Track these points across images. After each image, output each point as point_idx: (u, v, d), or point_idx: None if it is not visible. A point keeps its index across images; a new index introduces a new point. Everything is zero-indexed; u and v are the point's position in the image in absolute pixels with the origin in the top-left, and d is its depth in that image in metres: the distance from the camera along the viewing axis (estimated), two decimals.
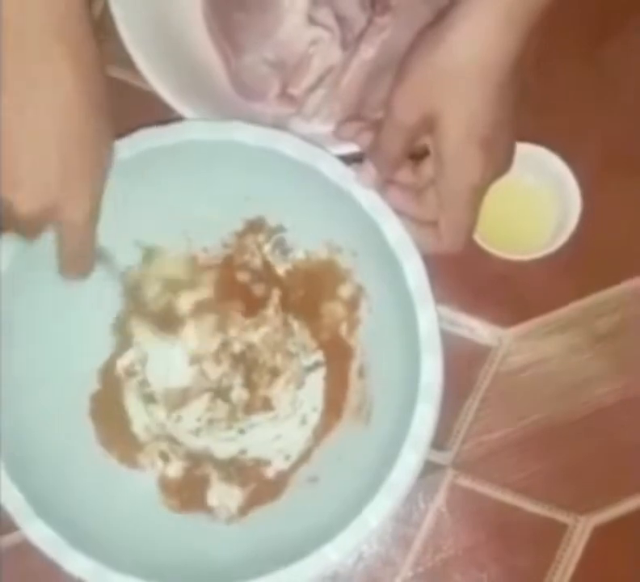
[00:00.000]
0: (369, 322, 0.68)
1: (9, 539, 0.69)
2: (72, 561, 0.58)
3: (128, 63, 0.68)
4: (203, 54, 0.74)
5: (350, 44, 0.71)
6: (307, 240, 0.69)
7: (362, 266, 0.67)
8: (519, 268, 0.70)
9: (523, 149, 0.70)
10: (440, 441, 0.70)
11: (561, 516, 0.70)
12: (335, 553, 0.57)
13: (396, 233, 0.60)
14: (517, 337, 0.72)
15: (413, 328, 0.59)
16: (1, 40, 0.53)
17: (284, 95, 0.72)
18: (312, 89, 0.72)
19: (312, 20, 0.70)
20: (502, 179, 0.69)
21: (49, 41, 0.53)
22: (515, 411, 0.71)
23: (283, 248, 0.70)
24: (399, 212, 0.60)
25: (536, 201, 0.71)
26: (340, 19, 0.70)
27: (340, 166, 0.61)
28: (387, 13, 0.69)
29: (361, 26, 0.70)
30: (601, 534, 0.69)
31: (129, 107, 0.65)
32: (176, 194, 0.66)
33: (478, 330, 0.72)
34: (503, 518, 0.70)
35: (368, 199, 0.60)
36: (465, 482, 0.70)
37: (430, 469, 0.70)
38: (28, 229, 0.58)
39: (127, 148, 0.62)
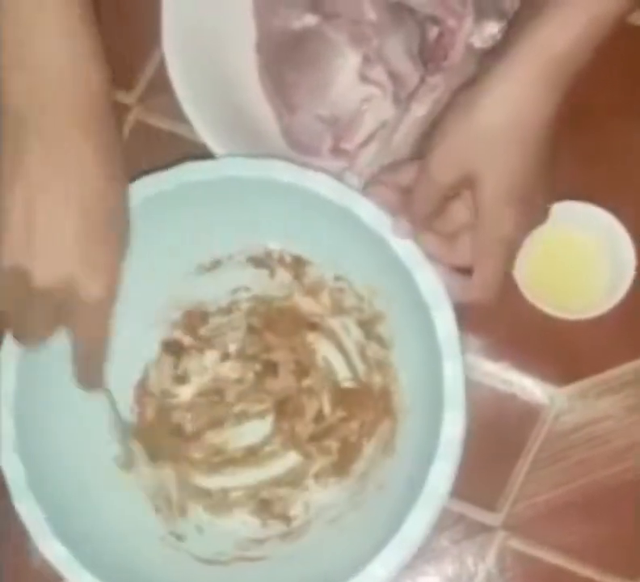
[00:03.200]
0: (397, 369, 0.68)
1: None
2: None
3: (181, 117, 0.70)
4: (256, 109, 0.74)
5: (402, 101, 0.71)
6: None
7: (394, 312, 0.67)
8: (572, 326, 0.69)
9: (574, 207, 0.69)
10: (490, 502, 0.69)
11: (613, 581, 0.68)
12: None
13: (429, 283, 0.60)
14: (570, 396, 0.71)
15: (438, 381, 0.59)
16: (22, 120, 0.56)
17: (337, 150, 0.73)
18: (364, 144, 0.72)
19: (364, 78, 0.71)
20: (555, 237, 0.69)
21: (70, 124, 0.56)
22: (567, 471, 0.69)
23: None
24: (431, 257, 0.61)
25: (589, 259, 0.70)
26: (393, 76, 0.71)
27: (377, 212, 0.61)
28: (438, 73, 0.69)
29: (414, 82, 0.71)
30: None
31: (183, 160, 0.65)
32: (208, 229, 0.68)
33: (530, 388, 0.71)
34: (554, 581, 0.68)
35: (404, 247, 0.61)
36: (516, 544, 0.69)
37: (480, 530, 0.69)
38: (41, 313, 0.57)
39: (165, 182, 0.63)
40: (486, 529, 0.69)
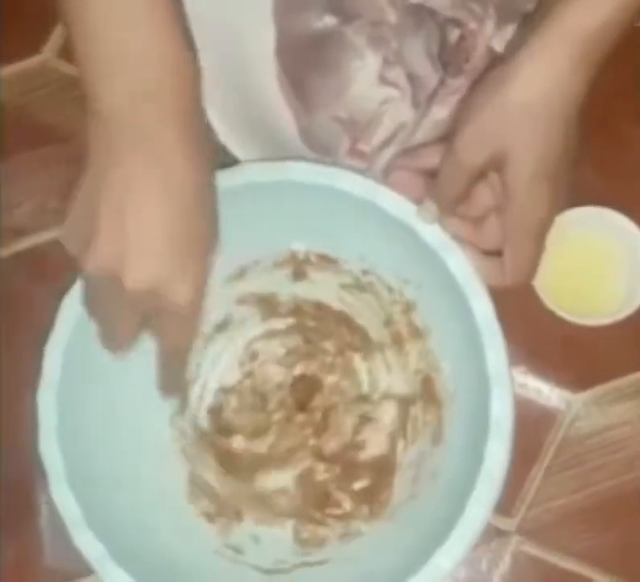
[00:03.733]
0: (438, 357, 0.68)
1: None
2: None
3: None
4: (275, 111, 0.74)
5: (421, 103, 0.71)
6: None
7: (426, 299, 0.67)
8: (590, 332, 0.69)
9: (593, 213, 0.69)
10: (505, 506, 0.69)
11: None
12: None
13: (461, 266, 0.60)
14: (586, 402, 0.71)
15: (481, 362, 0.59)
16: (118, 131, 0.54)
17: (355, 151, 0.72)
18: (383, 146, 0.72)
19: (383, 79, 0.70)
20: (573, 242, 0.69)
21: (163, 120, 0.55)
22: (583, 477, 0.70)
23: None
24: (459, 242, 0.60)
25: (608, 265, 0.70)
26: (412, 78, 0.70)
27: (400, 201, 0.61)
28: (460, 75, 0.69)
29: (433, 85, 0.70)
30: None
31: None
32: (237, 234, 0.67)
33: (546, 393, 0.71)
34: None
35: (431, 233, 0.60)
36: (531, 549, 0.69)
37: (494, 535, 0.69)
38: (128, 317, 0.57)
39: None
40: (500, 533, 0.69)
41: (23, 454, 0.64)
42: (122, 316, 0.57)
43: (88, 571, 0.61)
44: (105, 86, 0.55)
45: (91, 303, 0.59)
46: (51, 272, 0.74)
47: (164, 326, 0.58)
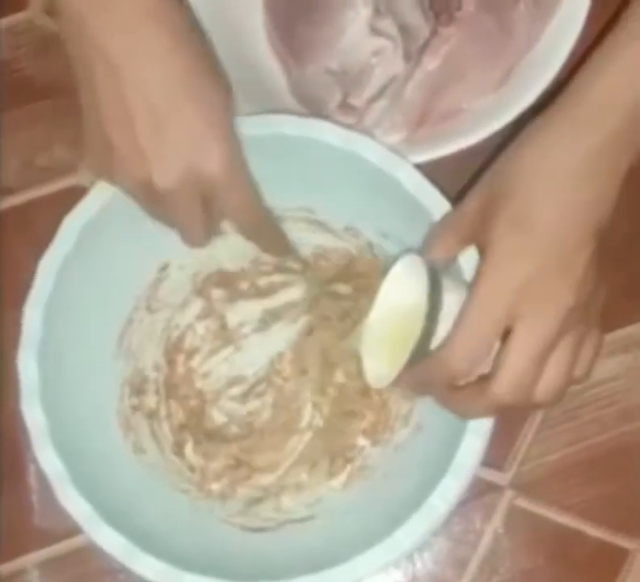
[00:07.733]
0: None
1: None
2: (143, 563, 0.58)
3: None
4: (263, 64, 0.74)
5: (413, 55, 0.69)
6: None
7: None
8: None
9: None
10: (498, 461, 0.69)
11: (622, 542, 0.67)
12: (408, 539, 0.56)
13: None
14: None
15: None
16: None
17: (345, 105, 0.71)
18: (373, 100, 0.71)
19: (375, 30, 0.69)
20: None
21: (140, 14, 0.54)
22: (576, 431, 0.69)
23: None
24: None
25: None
26: (403, 29, 0.69)
27: (382, 150, 0.60)
28: (452, 24, 0.68)
29: (425, 36, 0.69)
30: None
31: None
32: None
33: None
34: (562, 541, 0.68)
35: (414, 182, 0.60)
36: (524, 503, 0.68)
37: (487, 489, 0.68)
38: (190, 209, 0.56)
39: None
40: (493, 488, 0.69)
41: (10, 411, 0.63)
42: (180, 213, 0.57)
43: (77, 530, 0.60)
44: None
45: (151, 213, 0.59)
46: (38, 230, 0.72)
47: (223, 205, 0.57)
